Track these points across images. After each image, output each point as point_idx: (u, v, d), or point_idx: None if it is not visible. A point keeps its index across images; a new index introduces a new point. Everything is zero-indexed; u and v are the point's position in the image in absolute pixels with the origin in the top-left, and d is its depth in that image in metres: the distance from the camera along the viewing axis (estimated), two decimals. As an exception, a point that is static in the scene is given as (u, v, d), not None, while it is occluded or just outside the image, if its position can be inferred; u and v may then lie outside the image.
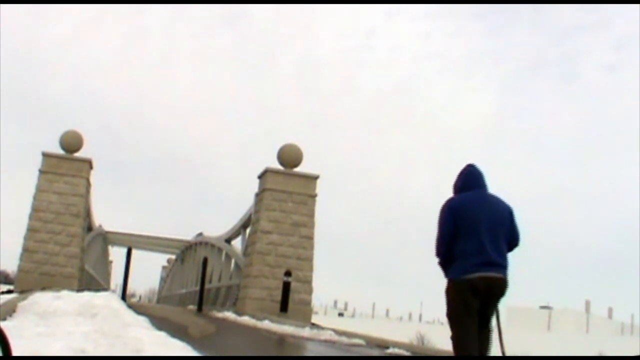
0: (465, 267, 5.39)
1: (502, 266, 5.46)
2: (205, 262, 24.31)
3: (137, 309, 12.83)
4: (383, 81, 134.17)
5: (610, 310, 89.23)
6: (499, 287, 5.44)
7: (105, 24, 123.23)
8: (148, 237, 40.52)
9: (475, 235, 5.45)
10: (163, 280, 54.91)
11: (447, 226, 5.53)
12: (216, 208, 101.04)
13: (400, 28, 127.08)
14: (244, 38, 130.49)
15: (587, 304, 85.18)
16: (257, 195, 24.15)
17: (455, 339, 5.45)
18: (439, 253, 5.58)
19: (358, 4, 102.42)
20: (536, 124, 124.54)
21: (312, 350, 10.62)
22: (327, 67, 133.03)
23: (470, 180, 5.82)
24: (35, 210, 24.68)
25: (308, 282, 22.83)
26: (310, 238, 23.24)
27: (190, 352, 6.29)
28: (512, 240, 5.63)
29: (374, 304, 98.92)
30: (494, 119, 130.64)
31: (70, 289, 17.06)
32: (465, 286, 5.36)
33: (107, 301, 9.73)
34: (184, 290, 37.07)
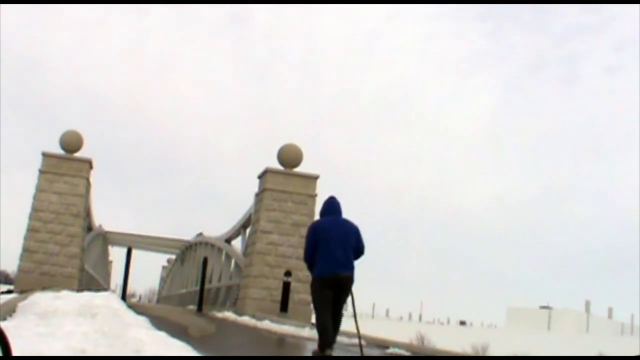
0: (322, 269, 7.92)
1: (348, 267, 7.95)
2: (205, 262, 24.29)
3: (137, 309, 12.83)
4: (384, 82, 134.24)
5: (610, 310, 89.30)
6: (346, 282, 7.92)
7: (107, 24, 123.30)
8: (148, 237, 40.53)
9: (329, 247, 7.93)
10: (163, 280, 54.88)
11: (310, 240, 8.15)
12: (216, 208, 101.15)
13: (401, 30, 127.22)
14: (246, 39, 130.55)
15: (587, 304, 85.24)
16: (257, 195, 24.14)
17: (317, 318, 8.04)
18: (306, 259, 8.25)
19: (360, 4, 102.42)
20: (537, 124, 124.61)
21: (312, 350, 10.61)
22: (328, 68, 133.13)
23: (330, 208, 8.40)
24: (35, 210, 24.66)
25: (308, 282, 22.81)
26: (310, 238, 23.22)
27: (190, 352, 6.29)
28: (357, 250, 8.11)
29: (374, 304, 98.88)
30: (495, 120, 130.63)
31: (70, 289, 17.05)
32: (321, 281, 7.91)
33: (107, 301, 9.72)
34: (184, 290, 37.06)
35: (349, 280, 7.94)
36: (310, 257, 8.11)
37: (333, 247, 7.96)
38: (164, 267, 54.35)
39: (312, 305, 8.20)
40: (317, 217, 28.24)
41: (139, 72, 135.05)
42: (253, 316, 17.63)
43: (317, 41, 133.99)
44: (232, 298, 24.48)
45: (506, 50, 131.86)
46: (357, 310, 8.04)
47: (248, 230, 25.18)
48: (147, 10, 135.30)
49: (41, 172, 24.99)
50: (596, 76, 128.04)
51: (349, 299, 8.11)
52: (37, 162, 25.26)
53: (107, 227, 37.16)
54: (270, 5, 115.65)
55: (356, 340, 12.46)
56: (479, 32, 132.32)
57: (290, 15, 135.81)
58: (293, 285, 21.74)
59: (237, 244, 27.54)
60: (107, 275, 48.50)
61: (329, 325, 7.91)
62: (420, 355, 11.59)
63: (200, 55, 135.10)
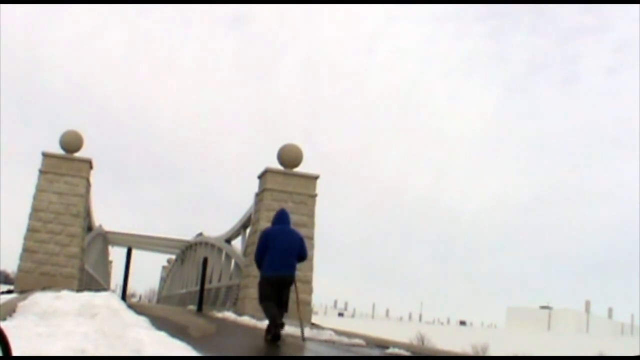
0: (269, 269, 9.81)
1: (291, 269, 9.91)
2: (205, 262, 24.28)
3: (137, 309, 12.81)
4: (385, 83, 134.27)
5: (610, 310, 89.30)
6: (288, 280, 9.95)
7: (108, 25, 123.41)
8: (148, 237, 40.51)
9: (276, 251, 9.75)
10: (163, 280, 54.88)
11: (261, 245, 9.95)
12: (216, 208, 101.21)
13: (402, 30, 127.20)
14: (247, 39, 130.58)
15: (587, 304, 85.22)
16: (257, 195, 24.14)
17: (263, 308, 10.02)
18: (256, 260, 10.09)
19: (362, 4, 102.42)
20: (537, 125, 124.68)
21: (312, 350, 10.62)
22: (329, 68, 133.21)
23: (279, 218, 10.27)
24: (35, 210, 24.66)
25: (308, 282, 22.81)
26: (310, 238, 23.20)
27: (190, 352, 6.28)
28: (300, 255, 10.03)
29: (374, 304, 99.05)
30: (495, 120, 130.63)
31: (70, 289, 17.02)
32: (268, 280, 9.84)
33: (107, 301, 9.71)
34: (184, 290, 37.05)
35: (291, 279, 10.00)
36: (260, 259, 9.95)
37: (280, 253, 9.77)
38: (164, 267, 54.34)
39: (258, 298, 10.29)
40: (317, 217, 28.22)
41: (139, 71, 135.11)
42: (253, 316, 17.61)
43: (318, 41, 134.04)
44: (232, 298, 24.47)
45: (507, 51, 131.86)
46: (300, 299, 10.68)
47: (248, 230, 25.16)
48: (148, 11, 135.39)
49: (41, 172, 24.97)
50: (597, 77, 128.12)
51: (295, 291, 10.34)
52: (37, 162, 25.27)
53: (107, 227, 37.13)
54: (271, 6, 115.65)
55: (357, 340, 12.53)
56: (480, 33, 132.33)
57: (291, 15, 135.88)
58: (293, 285, 21.69)
59: (237, 244, 27.53)
60: (107, 275, 48.47)
61: (275, 313, 9.84)
62: (420, 355, 11.60)
63: (201, 55, 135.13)
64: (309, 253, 23.45)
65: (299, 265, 25.57)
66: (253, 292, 22.15)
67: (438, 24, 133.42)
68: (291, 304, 20.99)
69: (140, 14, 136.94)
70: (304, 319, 11.20)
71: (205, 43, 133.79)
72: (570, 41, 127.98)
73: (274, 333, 9.61)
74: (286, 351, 10.38)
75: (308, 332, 13.39)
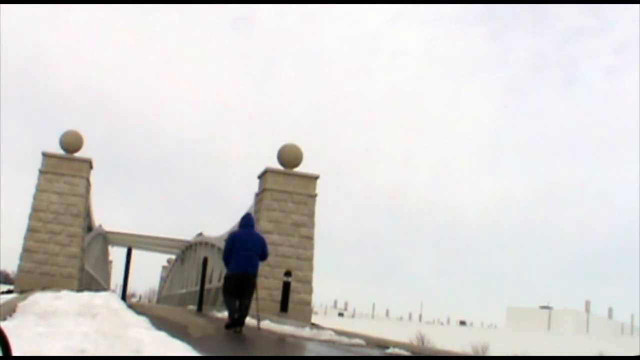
0: (235, 267, 11.16)
1: (254, 268, 11.24)
2: (205, 262, 24.28)
3: (137, 309, 12.82)
4: (385, 83, 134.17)
5: (610, 310, 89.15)
6: (252, 277, 11.19)
7: (109, 25, 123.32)
8: (148, 237, 40.49)
9: (241, 252, 11.09)
10: (163, 280, 54.91)
11: (228, 246, 11.40)
12: (216, 208, 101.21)
13: (403, 31, 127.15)
14: (248, 39, 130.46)
15: (587, 304, 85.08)
16: (257, 195, 24.15)
17: (226, 303, 11.53)
18: (224, 259, 11.51)
19: (362, 4, 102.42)
20: (537, 126, 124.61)
21: (312, 350, 10.62)
22: (329, 69, 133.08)
23: (245, 222, 11.60)
24: (35, 210, 24.67)
25: (308, 282, 22.83)
26: (310, 238, 23.23)
27: (190, 352, 6.28)
28: (262, 255, 11.41)
29: (374, 304, 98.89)
30: (495, 121, 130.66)
31: (71, 289, 17.06)
32: (233, 277, 11.21)
33: (107, 301, 9.72)
34: (184, 290, 37.06)
35: (254, 276, 11.24)
36: (227, 258, 11.26)
37: (244, 253, 11.02)
38: (164, 267, 54.37)
39: (222, 291, 11.70)
40: (317, 217, 28.37)
41: (140, 72, 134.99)
42: (253, 316, 17.61)
43: (319, 42, 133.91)
44: (232, 298, 24.47)
45: (507, 51, 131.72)
46: (260, 296, 12.26)
47: (248, 230, 25.15)
48: (149, 11, 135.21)
49: (41, 172, 24.99)
50: (597, 78, 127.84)
51: (255, 289, 11.40)
52: (37, 162, 25.28)
53: (107, 227, 37.15)
54: (272, 6, 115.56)
55: (356, 340, 12.53)
56: (481, 33, 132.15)
57: (292, 16, 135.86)
58: (293, 285, 21.72)
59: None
60: (107, 275, 48.51)
61: (235, 308, 11.06)
62: (420, 355, 11.60)
63: (202, 56, 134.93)
64: (308, 253, 23.79)
65: (299, 266, 25.68)
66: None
67: (439, 25, 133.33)
68: (291, 304, 21.20)
69: (140, 14, 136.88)
70: (261, 312, 12.75)
71: (205, 43, 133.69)
72: (570, 41, 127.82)
73: (235, 326, 10.91)
74: (286, 351, 10.39)
75: (308, 332, 13.42)
